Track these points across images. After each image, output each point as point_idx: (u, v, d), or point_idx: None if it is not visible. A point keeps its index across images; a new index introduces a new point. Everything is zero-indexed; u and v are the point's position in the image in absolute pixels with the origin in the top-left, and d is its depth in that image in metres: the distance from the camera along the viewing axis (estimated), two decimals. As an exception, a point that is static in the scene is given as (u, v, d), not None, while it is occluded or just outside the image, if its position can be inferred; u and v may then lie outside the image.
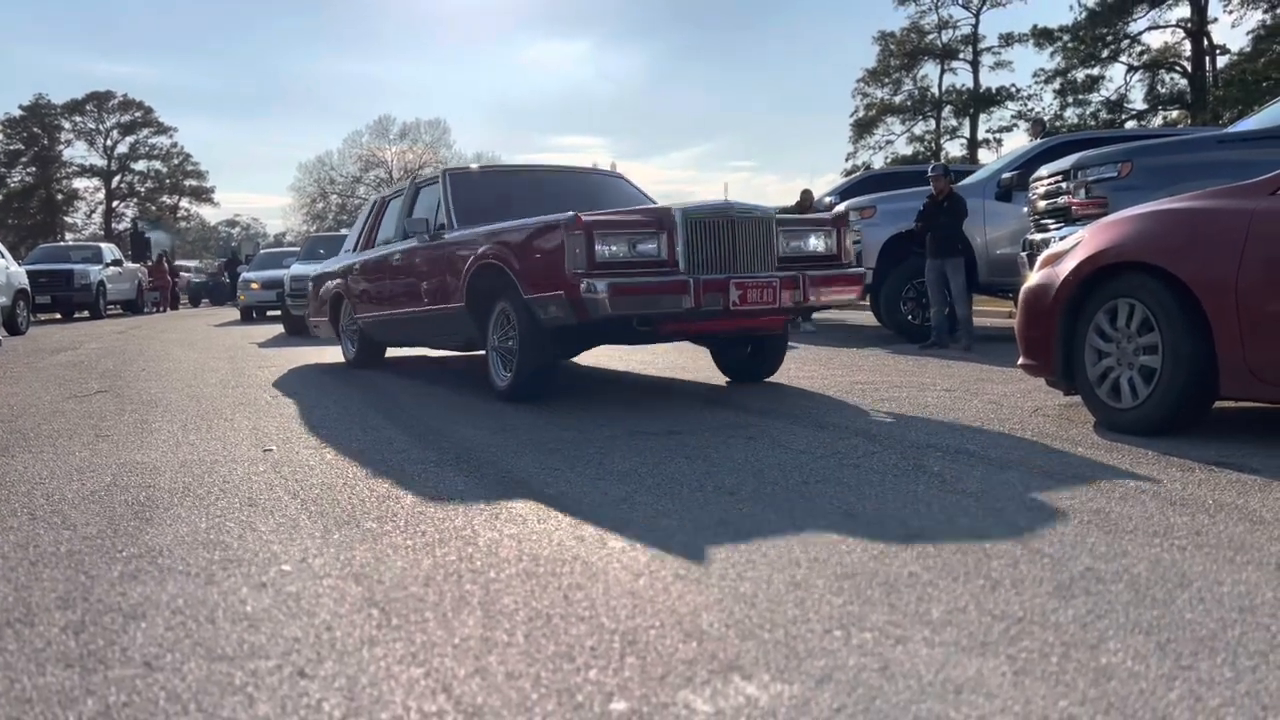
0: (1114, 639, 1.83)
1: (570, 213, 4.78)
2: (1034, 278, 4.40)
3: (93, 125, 57.51)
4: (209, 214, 62.61)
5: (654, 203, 6.69)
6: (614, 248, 4.77)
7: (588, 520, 2.82)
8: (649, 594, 2.17)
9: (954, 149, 45.22)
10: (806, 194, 12.96)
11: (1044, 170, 7.48)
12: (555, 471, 3.50)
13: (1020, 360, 4.46)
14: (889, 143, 46.27)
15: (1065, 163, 7.05)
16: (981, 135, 43.95)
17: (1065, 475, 3.22)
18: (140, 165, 58.97)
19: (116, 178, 58.36)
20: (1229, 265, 3.58)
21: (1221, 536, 2.49)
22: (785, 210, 13.11)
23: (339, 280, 7.89)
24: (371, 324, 7.30)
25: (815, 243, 5.37)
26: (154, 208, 58.29)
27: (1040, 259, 4.46)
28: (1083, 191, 6.72)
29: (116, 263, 21.61)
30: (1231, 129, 7.02)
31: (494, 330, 5.46)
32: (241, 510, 3.06)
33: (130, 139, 58.41)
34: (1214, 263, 3.63)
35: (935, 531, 2.60)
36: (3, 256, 15.05)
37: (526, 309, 5.03)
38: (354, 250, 7.84)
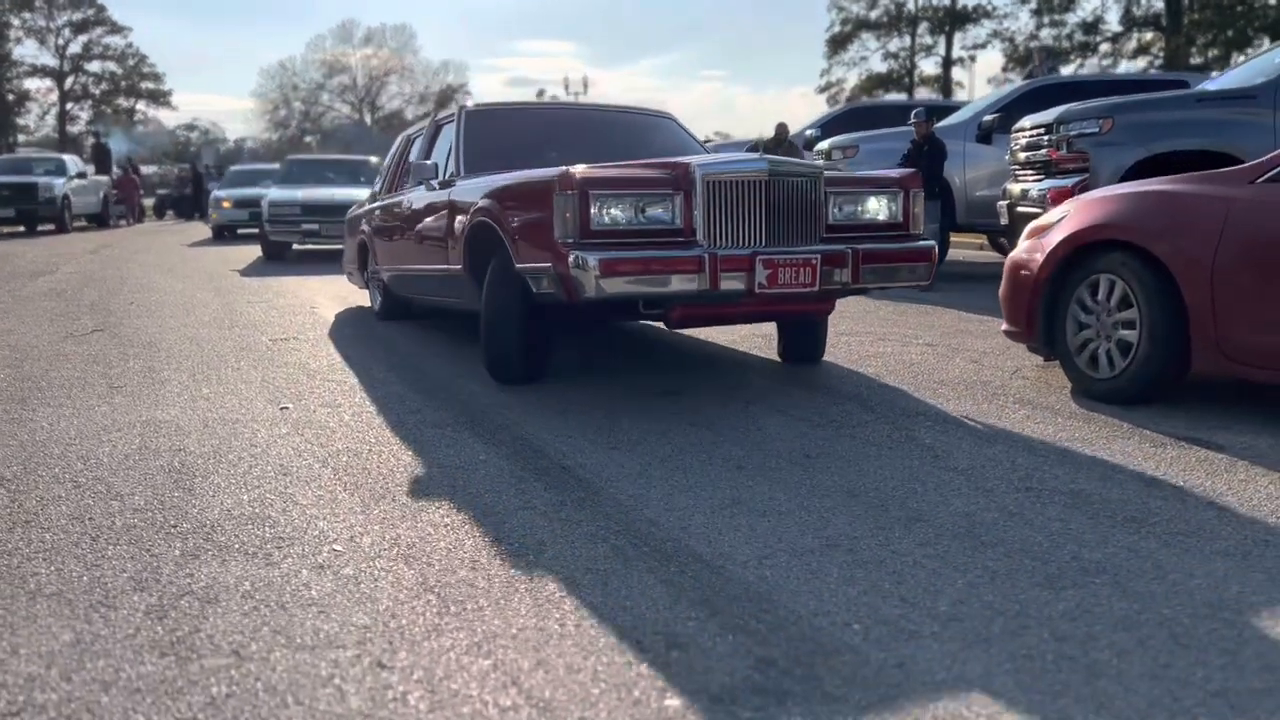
0: (1102, 635, 2.07)
1: (561, 167, 4.12)
2: (1019, 248, 4.60)
3: (43, 23, 55.48)
4: (166, 117, 61.04)
5: (703, 150, 5.96)
6: (615, 212, 4.03)
7: (609, 497, 3.02)
8: (680, 582, 2.38)
9: (928, 67, 45.09)
10: (782, 128, 12.98)
11: (1027, 121, 7.63)
12: (569, 440, 3.69)
13: (1004, 327, 4.68)
14: (863, 59, 46.02)
15: (1049, 115, 7.20)
16: (956, 54, 43.80)
17: (1047, 451, 3.47)
18: (94, 66, 57.19)
19: (70, 79, 56.56)
20: (1206, 249, 3.79)
21: (1192, 523, 2.74)
22: (761, 143, 13.20)
23: (365, 226, 7.38)
24: (391, 277, 6.79)
25: (875, 208, 4.50)
26: (109, 110, 56.72)
27: (1026, 230, 4.66)
28: (1064, 145, 6.89)
29: (81, 175, 21.23)
30: (1209, 85, 7.19)
31: None
32: (277, 479, 3.23)
33: (83, 38, 56.41)
34: (1192, 245, 3.84)
35: (933, 514, 2.83)
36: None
37: (520, 279, 4.38)
38: (381, 193, 7.29)
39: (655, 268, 3.96)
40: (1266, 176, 3.73)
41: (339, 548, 2.63)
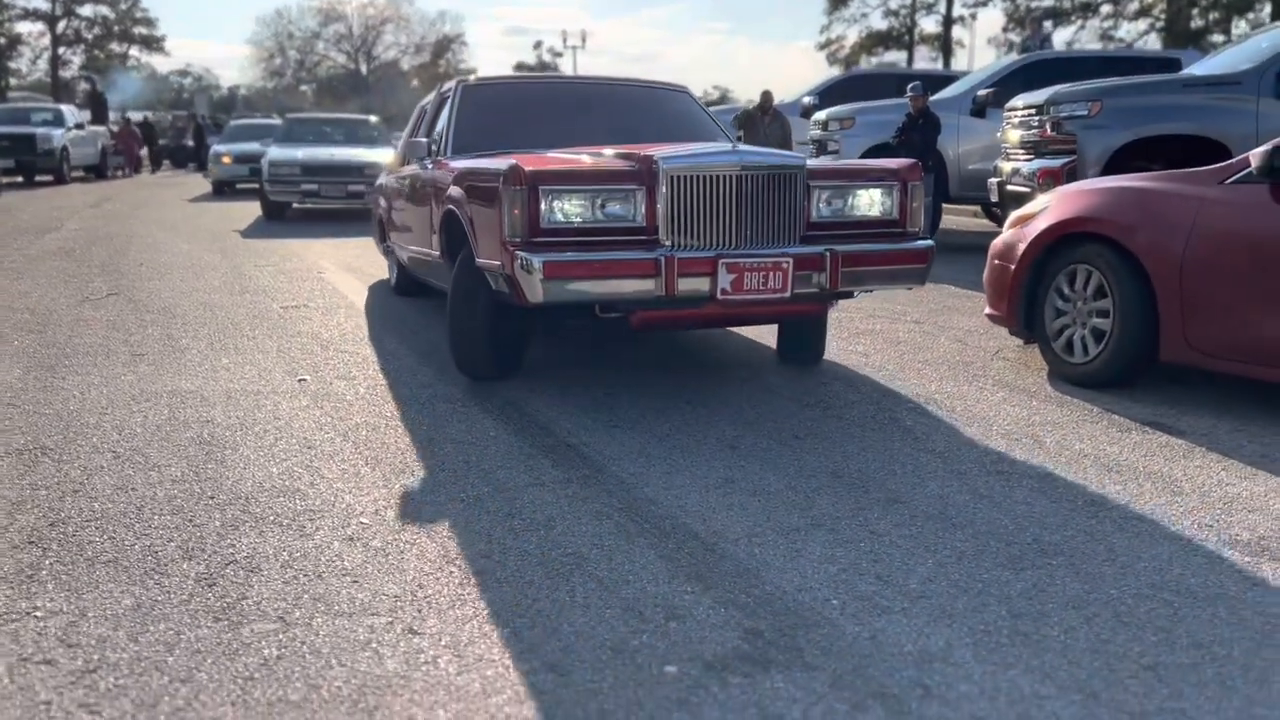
0: (1053, 613, 2.33)
1: (511, 161, 3.84)
2: (1003, 236, 4.83)
3: (34, -36, 54.76)
4: (159, 63, 60.53)
5: (721, 131, 5.63)
6: (569, 208, 3.76)
7: (611, 475, 3.27)
8: (678, 558, 2.63)
9: (929, 25, 44.95)
10: (766, 95, 13.09)
11: (1019, 101, 7.81)
12: (573, 418, 3.93)
13: (986, 310, 4.92)
14: (864, 15, 45.88)
15: (1040, 96, 7.38)
16: (957, 12, 43.65)
17: (1019, 434, 3.72)
18: (87, 10, 56.57)
19: (62, 22, 55.98)
20: (1177, 245, 4.02)
21: (1146, 508, 3.00)
22: (746, 112, 13.32)
23: (381, 199, 7.21)
24: (403, 254, 6.40)
25: (867, 203, 4.14)
26: (102, 55, 56.21)
27: (1009, 220, 4.89)
28: (1054, 127, 7.09)
29: (79, 126, 21.26)
30: (1195, 71, 7.37)
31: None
32: (302, 453, 3.47)
33: (74, -21, 55.77)
34: (1164, 241, 4.07)
35: (909, 496, 3.09)
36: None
37: (482, 275, 4.13)
38: (396, 165, 7.04)
39: (605, 271, 3.69)
40: (1234, 178, 3.95)
41: (366, 520, 2.88)
